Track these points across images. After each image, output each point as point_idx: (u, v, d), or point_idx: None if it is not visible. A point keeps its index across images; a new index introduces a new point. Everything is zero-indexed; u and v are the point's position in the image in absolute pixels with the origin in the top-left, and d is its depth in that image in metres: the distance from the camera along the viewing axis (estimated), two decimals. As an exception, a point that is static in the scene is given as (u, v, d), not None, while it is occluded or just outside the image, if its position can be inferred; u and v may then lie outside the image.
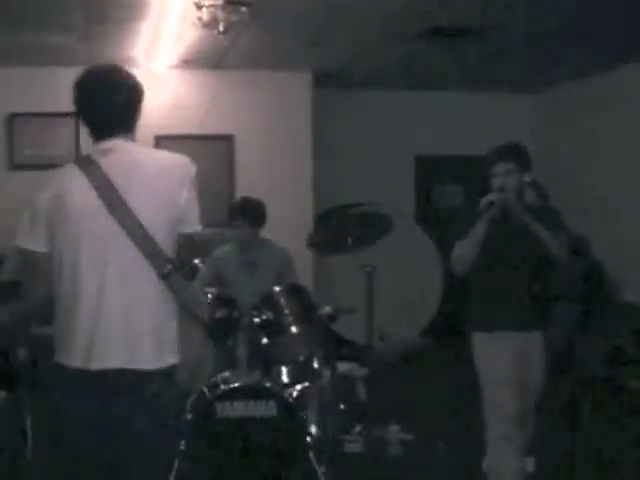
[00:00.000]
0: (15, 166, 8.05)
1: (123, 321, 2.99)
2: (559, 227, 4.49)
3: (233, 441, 4.77)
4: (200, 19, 6.03)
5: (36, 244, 3.06)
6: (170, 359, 3.09)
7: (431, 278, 8.96)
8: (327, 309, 5.43)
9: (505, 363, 4.39)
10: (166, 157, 3.28)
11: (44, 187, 3.08)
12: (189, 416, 4.92)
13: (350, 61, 8.36)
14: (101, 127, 3.12)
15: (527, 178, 4.56)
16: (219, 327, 5.21)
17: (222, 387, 4.87)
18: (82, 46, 7.34)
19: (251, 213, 5.79)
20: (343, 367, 6.05)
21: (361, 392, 6.41)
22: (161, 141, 8.47)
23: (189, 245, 3.21)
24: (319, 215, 9.07)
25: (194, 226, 3.19)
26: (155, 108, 8.46)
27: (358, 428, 5.90)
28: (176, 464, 4.78)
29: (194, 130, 8.58)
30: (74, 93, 3.11)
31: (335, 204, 9.24)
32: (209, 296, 5.30)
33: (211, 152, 8.64)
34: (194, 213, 3.18)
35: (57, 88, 8.15)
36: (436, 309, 8.90)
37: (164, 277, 3.01)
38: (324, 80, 8.92)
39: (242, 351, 5.31)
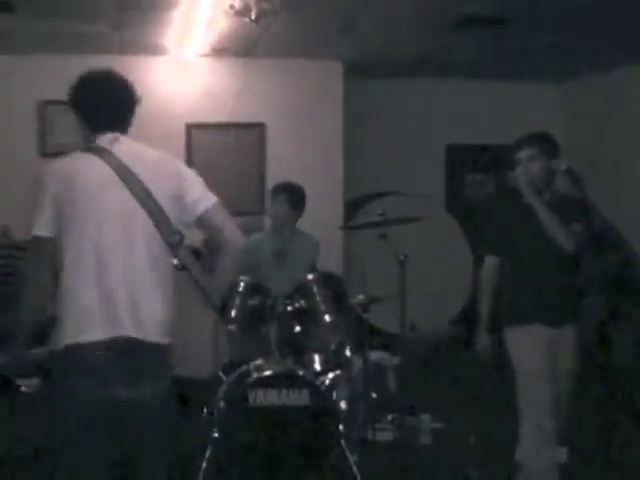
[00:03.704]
0: (46, 153, 8.07)
1: (138, 292, 3.13)
2: (580, 218, 4.45)
3: (265, 429, 4.78)
4: (232, 7, 6.02)
5: (46, 229, 3.17)
6: (169, 337, 3.23)
7: (462, 267, 8.92)
8: (360, 298, 5.43)
9: (538, 354, 4.38)
10: (159, 152, 3.43)
11: (55, 173, 3.26)
12: (222, 404, 4.93)
13: (381, 50, 8.31)
14: (105, 122, 3.32)
15: (562, 166, 4.53)
16: (252, 315, 5.22)
17: (255, 375, 4.88)
18: (114, 34, 7.35)
19: (294, 194, 5.81)
20: (375, 356, 6.05)
21: (392, 381, 6.41)
22: (192, 129, 8.48)
23: (221, 212, 3.35)
24: (349, 203, 9.05)
25: (210, 199, 3.32)
26: (186, 96, 8.49)
27: (389, 417, 5.91)
28: (208, 452, 4.82)
29: (225, 118, 8.57)
30: (74, 93, 3.36)
31: (366, 193, 9.24)
32: (242, 284, 5.31)
33: (242, 140, 8.64)
34: (204, 189, 3.33)
35: (89, 76, 8.26)
36: (466, 298, 8.85)
37: (172, 246, 3.18)
38: (355, 69, 8.88)
39: (275, 339, 5.32)
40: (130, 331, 3.10)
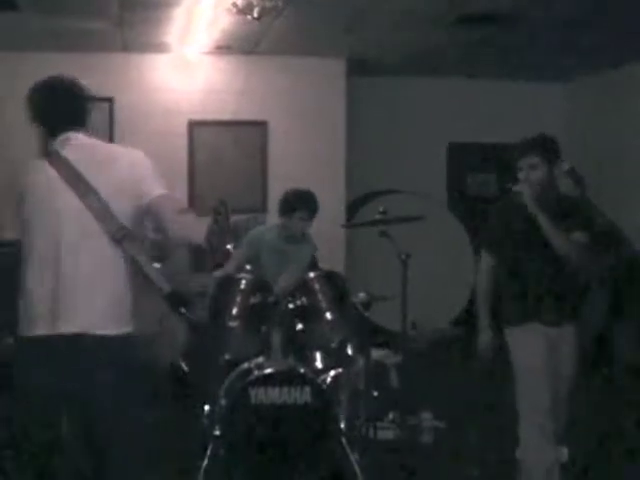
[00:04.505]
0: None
1: (83, 288, 3.25)
2: (584, 225, 4.44)
3: (266, 427, 4.78)
4: (235, 5, 6.04)
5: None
6: (126, 327, 3.32)
7: (463, 266, 8.91)
8: (361, 296, 5.43)
9: (538, 353, 4.38)
10: (116, 145, 3.72)
11: (20, 177, 3.48)
12: (223, 402, 4.93)
13: (383, 48, 8.32)
14: (55, 125, 3.46)
15: (565, 167, 4.52)
16: (254, 313, 5.22)
17: (256, 373, 4.87)
18: (116, 32, 7.37)
19: (312, 206, 5.72)
20: (376, 354, 6.05)
21: (394, 379, 6.41)
22: (194, 126, 8.50)
23: (172, 203, 3.46)
24: (352, 202, 9.06)
25: (157, 191, 3.40)
26: (189, 94, 8.50)
27: (391, 415, 5.90)
28: (209, 449, 4.82)
29: (227, 116, 8.59)
30: (30, 102, 3.53)
31: (368, 191, 9.24)
32: (243, 282, 5.31)
33: (244, 138, 8.65)
34: (153, 182, 3.42)
35: (91, 73, 8.19)
36: (468, 297, 8.85)
37: (118, 242, 3.29)
38: (357, 67, 8.89)
39: (276, 337, 5.31)
40: (77, 326, 3.22)
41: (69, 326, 3.21)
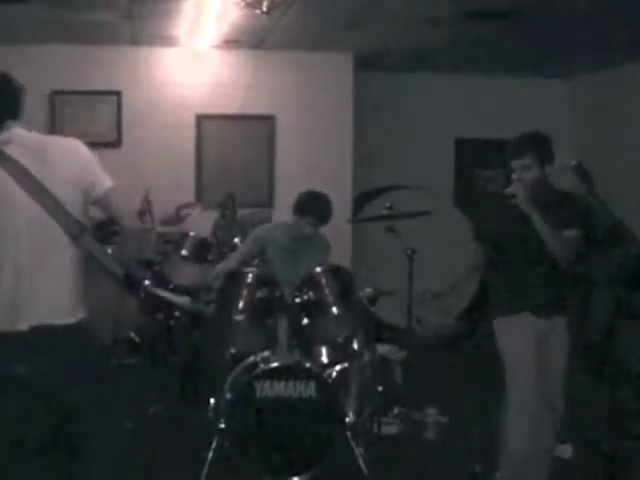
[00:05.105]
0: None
1: (39, 282, 3.36)
2: (580, 221, 4.42)
3: (271, 421, 4.80)
4: (244, -2, 6.03)
5: None
6: (80, 313, 3.46)
7: (469, 262, 8.89)
8: (368, 291, 5.44)
9: (526, 343, 4.39)
10: (56, 137, 3.72)
11: None
12: (228, 395, 4.95)
13: (391, 43, 8.30)
14: None
15: (571, 163, 4.52)
16: (260, 306, 5.24)
17: (262, 367, 4.89)
18: (124, 24, 7.36)
19: (322, 212, 5.68)
20: (381, 349, 6.05)
21: (398, 375, 6.41)
22: (202, 120, 8.50)
23: (119, 197, 3.56)
24: (359, 197, 9.06)
25: (105, 183, 3.49)
26: (197, 87, 8.50)
27: (395, 410, 5.92)
28: (215, 443, 4.83)
29: (235, 110, 8.58)
30: None
31: (375, 186, 9.23)
32: (250, 276, 5.33)
33: (252, 132, 8.66)
34: (100, 173, 3.49)
35: (99, 66, 8.28)
36: (472, 294, 8.84)
37: (74, 237, 3.39)
38: (365, 62, 8.88)
39: (282, 331, 5.33)
40: (37, 319, 3.33)
41: (31, 319, 3.32)
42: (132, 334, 6.63)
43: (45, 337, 3.34)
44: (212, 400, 5.18)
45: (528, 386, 4.37)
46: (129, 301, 6.05)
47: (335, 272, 5.36)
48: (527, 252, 4.42)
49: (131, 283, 4.41)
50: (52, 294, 3.38)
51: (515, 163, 4.42)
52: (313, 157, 8.59)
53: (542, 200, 4.36)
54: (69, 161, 3.43)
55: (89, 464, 3.47)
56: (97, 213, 3.62)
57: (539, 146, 4.44)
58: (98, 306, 3.87)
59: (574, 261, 4.39)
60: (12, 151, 3.36)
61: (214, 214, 6.95)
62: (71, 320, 3.41)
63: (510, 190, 4.37)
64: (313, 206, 5.68)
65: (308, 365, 4.98)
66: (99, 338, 3.73)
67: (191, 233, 6.74)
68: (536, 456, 4.40)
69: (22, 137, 3.43)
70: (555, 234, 4.28)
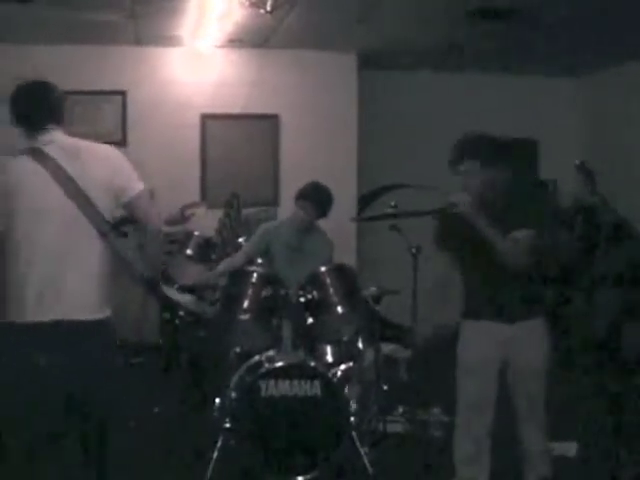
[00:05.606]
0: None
1: (68, 277, 3.52)
2: (534, 220, 4.27)
3: (277, 420, 4.80)
4: (248, -2, 6.03)
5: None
6: (106, 311, 3.64)
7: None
8: (372, 290, 5.44)
9: (477, 350, 4.33)
10: (90, 143, 3.80)
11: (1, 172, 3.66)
12: (233, 394, 4.96)
13: (395, 42, 8.30)
14: (35, 124, 3.68)
15: (575, 162, 4.47)
16: (265, 305, 5.24)
17: (266, 366, 4.90)
18: (129, 24, 7.37)
19: (318, 198, 5.72)
20: (386, 348, 6.06)
21: (403, 373, 6.42)
22: (207, 120, 8.51)
23: (147, 200, 3.78)
24: (363, 195, 9.05)
25: (135, 188, 3.70)
26: (201, 87, 8.51)
27: (400, 409, 5.92)
28: (220, 442, 4.84)
29: (239, 109, 8.59)
30: (10, 107, 3.73)
31: (379, 185, 9.23)
32: (255, 275, 5.33)
33: (256, 131, 8.67)
34: (131, 176, 3.71)
35: (104, 66, 8.28)
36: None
37: (103, 235, 3.58)
38: (369, 61, 8.88)
39: (287, 330, 5.33)
40: (58, 314, 3.48)
41: (57, 313, 3.48)
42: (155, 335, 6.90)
43: (68, 332, 3.48)
44: (217, 399, 5.19)
45: (467, 393, 4.38)
46: (151, 301, 6.46)
47: (339, 271, 5.36)
48: (483, 258, 4.24)
49: (153, 284, 4.50)
50: (80, 290, 3.54)
51: (455, 170, 4.36)
52: (317, 156, 8.58)
53: (490, 203, 4.24)
54: (101, 166, 3.63)
55: (95, 461, 3.56)
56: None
57: (480, 148, 4.33)
58: (122, 305, 3.99)
59: (519, 263, 4.20)
60: (51, 151, 3.58)
61: (219, 213, 6.94)
62: (98, 316, 3.58)
63: (451, 199, 4.24)
64: (313, 193, 5.73)
65: (313, 364, 4.98)
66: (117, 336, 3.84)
67: (196, 232, 6.74)
68: (468, 459, 4.38)
69: (61, 140, 3.65)
70: (498, 237, 4.12)
